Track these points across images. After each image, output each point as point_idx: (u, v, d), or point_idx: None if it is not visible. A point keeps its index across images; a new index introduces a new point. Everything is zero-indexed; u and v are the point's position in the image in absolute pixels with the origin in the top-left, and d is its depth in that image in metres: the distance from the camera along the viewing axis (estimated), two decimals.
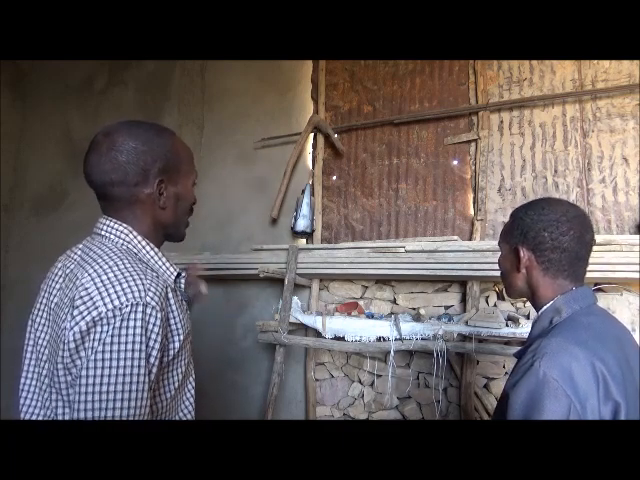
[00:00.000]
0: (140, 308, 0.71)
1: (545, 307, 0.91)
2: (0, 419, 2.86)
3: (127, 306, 0.70)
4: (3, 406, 2.92)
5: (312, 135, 2.61)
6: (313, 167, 2.59)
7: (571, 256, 0.88)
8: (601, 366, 0.75)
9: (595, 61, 2.06)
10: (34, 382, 0.80)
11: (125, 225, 0.84)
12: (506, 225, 0.99)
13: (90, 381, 0.67)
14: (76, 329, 0.69)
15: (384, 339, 1.96)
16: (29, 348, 0.83)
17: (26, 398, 0.80)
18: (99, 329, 0.68)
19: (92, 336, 0.69)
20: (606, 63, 2.04)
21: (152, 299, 0.73)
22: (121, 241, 0.83)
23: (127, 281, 0.73)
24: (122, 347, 0.68)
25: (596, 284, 1.83)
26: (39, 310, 0.83)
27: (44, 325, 0.81)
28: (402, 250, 2.04)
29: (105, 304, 0.70)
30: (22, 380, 0.81)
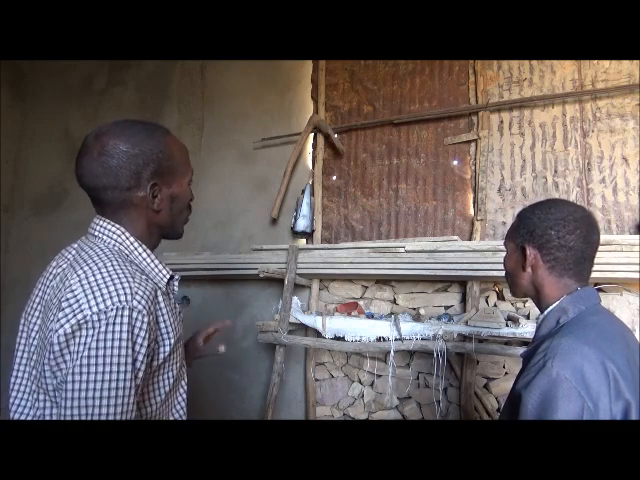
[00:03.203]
0: (126, 312, 0.70)
1: (551, 307, 0.91)
2: (0, 419, 2.87)
3: (113, 310, 0.69)
4: (3, 406, 2.92)
5: (312, 135, 2.61)
6: (313, 167, 2.59)
7: (577, 255, 0.88)
8: (611, 365, 0.75)
9: (595, 61, 2.06)
10: (24, 381, 0.79)
11: (118, 226, 0.83)
12: (512, 224, 1.00)
13: (76, 386, 0.66)
14: (61, 332, 0.68)
15: (384, 339, 1.96)
16: (21, 347, 0.82)
17: (16, 397, 0.79)
18: (84, 333, 0.68)
19: (77, 340, 0.68)
20: (606, 63, 2.04)
21: (139, 303, 0.72)
22: (113, 242, 0.82)
23: (114, 284, 0.71)
24: (107, 352, 0.67)
25: (596, 284, 1.83)
26: (32, 309, 0.82)
27: (35, 324, 0.80)
28: (402, 250, 2.04)
29: (90, 307, 0.68)
30: (12, 379, 0.80)
